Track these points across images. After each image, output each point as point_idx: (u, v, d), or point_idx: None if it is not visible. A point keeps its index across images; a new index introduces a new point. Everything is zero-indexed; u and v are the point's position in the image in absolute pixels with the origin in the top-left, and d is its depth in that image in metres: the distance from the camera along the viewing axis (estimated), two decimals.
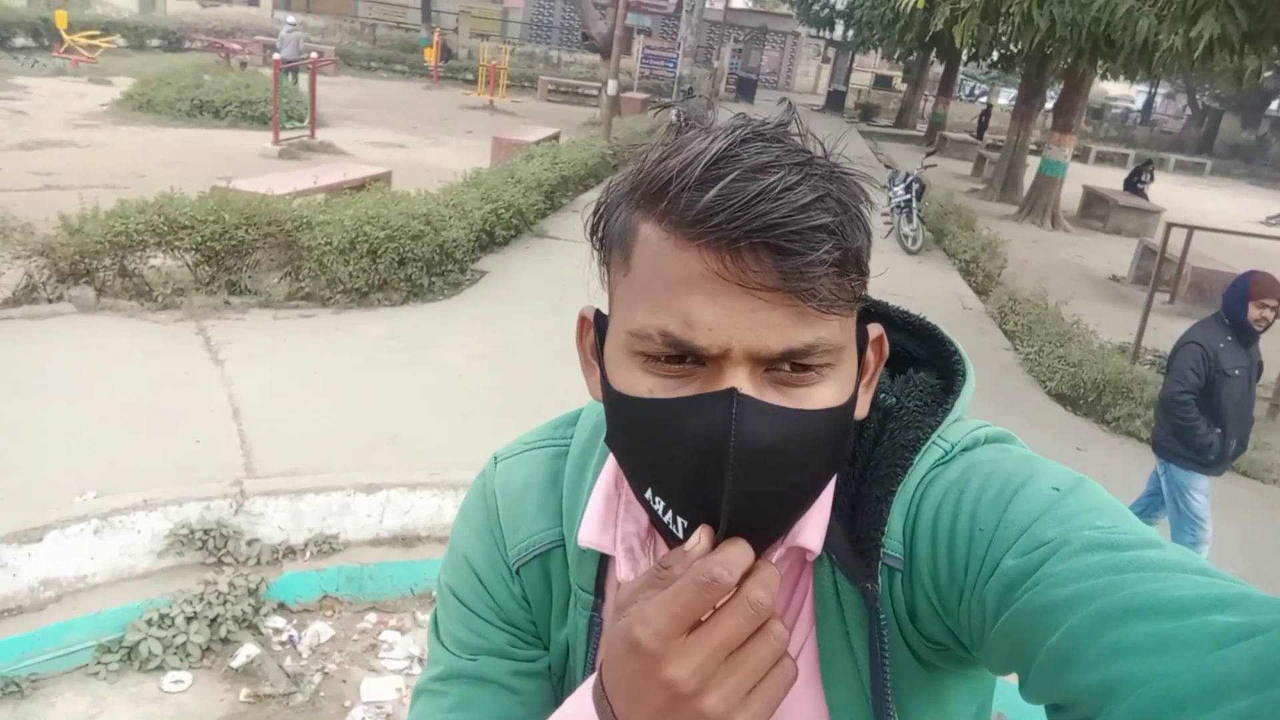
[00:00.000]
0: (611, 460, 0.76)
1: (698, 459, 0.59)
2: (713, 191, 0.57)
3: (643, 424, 0.62)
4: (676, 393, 0.60)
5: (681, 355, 0.60)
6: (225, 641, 3.32)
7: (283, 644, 3.43)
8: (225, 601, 3.36)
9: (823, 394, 0.61)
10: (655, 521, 0.65)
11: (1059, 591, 0.54)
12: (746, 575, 0.59)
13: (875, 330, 0.71)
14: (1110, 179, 19.96)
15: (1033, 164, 16.52)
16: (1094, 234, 15.26)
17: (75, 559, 3.34)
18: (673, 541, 0.64)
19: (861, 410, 0.69)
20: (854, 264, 0.60)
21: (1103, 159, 28.62)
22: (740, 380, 0.58)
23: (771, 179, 0.56)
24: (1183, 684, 0.45)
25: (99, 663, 3.16)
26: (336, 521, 3.81)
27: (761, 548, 0.62)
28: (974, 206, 13.88)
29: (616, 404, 0.64)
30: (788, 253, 0.56)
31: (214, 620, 3.32)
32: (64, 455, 4.00)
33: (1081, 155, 25.74)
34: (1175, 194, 21.08)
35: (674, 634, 0.56)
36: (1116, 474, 5.51)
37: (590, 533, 0.74)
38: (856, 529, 0.70)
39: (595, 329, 0.70)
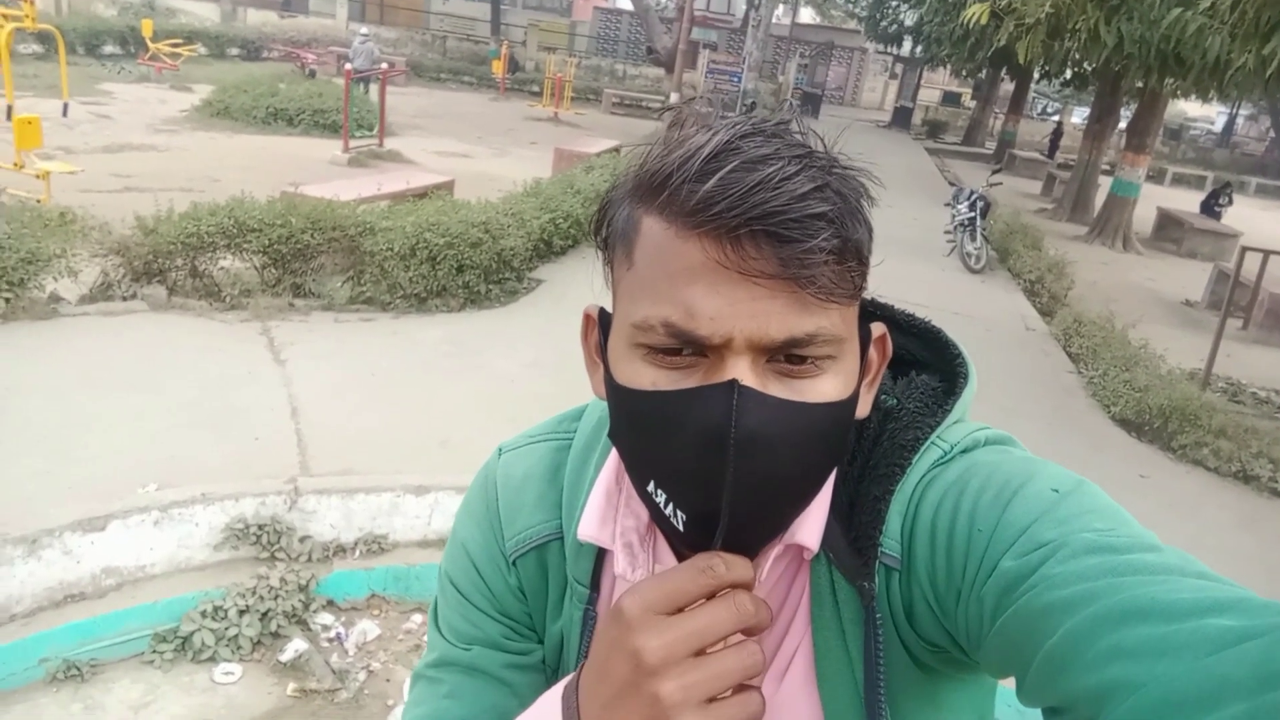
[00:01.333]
0: (613, 456, 0.76)
1: (699, 450, 0.59)
2: (712, 181, 0.58)
3: (645, 416, 0.63)
4: (679, 385, 0.61)
5: (683, 347, 0.60)
6: (275, 636, 3.39)
7: (330, 641, 3.49)
8: (276, 596, 3.44)
9: (824, 387, 0.62)
10: (656, 516, 0.66)
11: (1057, 593, 0.54)
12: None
13: (878, 329, 0.71)
14: (1186, 201, 19.39)
15: (1105, 184, 16.14)
16: (1167, 257, 14.83)
17: (136, 549, 3.45)
18: (673, 536, 0.65)
19: (863, 409, 0.70)
20: (854, 254, 0.61)
21: (1179, 181, 27.80)
22: (742, 371, 0.59)
23: (770, 169, 0.57)
24: (1181, 687, 0.45)
25: (155, 651, 3.25)
26: (386, 522, 3.87)
27: (762, 542, 0.63)
28: (1042, 226, 13.60)
29: (620, 397, 0.65)
30: (787, 240, 0.57)
31: (265, 614, 3.39)
32: (129, 448, 4.14)
33: (1157, 177, 25.06)
34: (1255, 218, 20.41)
35: (657, 609, 0.57)
36: (1181, 503, 5.34)
37: (590, 526, 0.75)
38: (854, 528, 0.70)
39: (600, 326, 0.71)
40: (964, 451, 0.70)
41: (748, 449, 0.58)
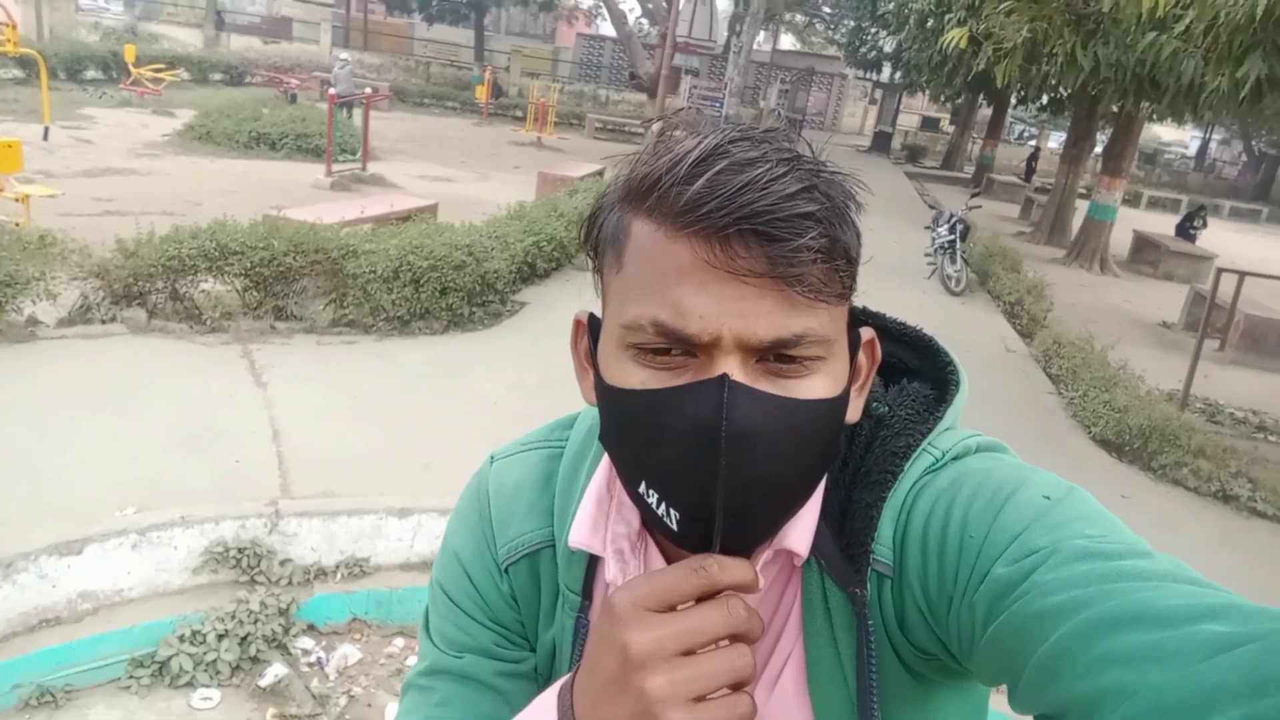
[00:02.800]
0: (604, 463, 0.77)
1: (691, 446, 0.60)
2: (699, 183, 0.58)
3: (636, 415, 0.63)
4: (669, 384, 0.61)
5: (673, 347, 0.61)
6: (254, 660, 3.35)
7: (310, 665, 3.45)
8: (256, 620, 3.40)
9: (814, 385, 0.62)
10: (648, 517, 0.66)
11: (1049, 600, 0.54)
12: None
13: (867, 334, 0.71)
14: (1162, 224, 19.65)
15: (1081, 208, 16.33)
16: (1144, 279, 15.00)
17: (113, 573, 3.41)
18: (667, 537, 0.65)
19: (854, 414, 0.70)
20: (842, 254, 0.61)
21: (1155, 204, 28.19)
22: (731, 369, 0.59)
23: (758, 171, 0.58)
24: (1173, 693, 0.45)
25: (131, 676, 3.20)
26: (368, 545, 3.84)
27: (757, 541, 0.63)
28: (1021, 249, 13.74)
29: (610, 398, 0.65)
30: (775, 239, 0.58)
31: (244, 639, 3.35)
32: (107, 470, 4.09)
33: (1133, 200, 25.38)
34: (1229, 240, 20.69)
35: (647, 605, 0.58)
36: (1162, 523, 5.37)
37: (581, 533, 0.75)
38: (846, 535, 0.70)
39: (589, 332, 0.72)
40: (955, 458, 0.70)
41: (739, 443, 0.58)
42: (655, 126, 0.68)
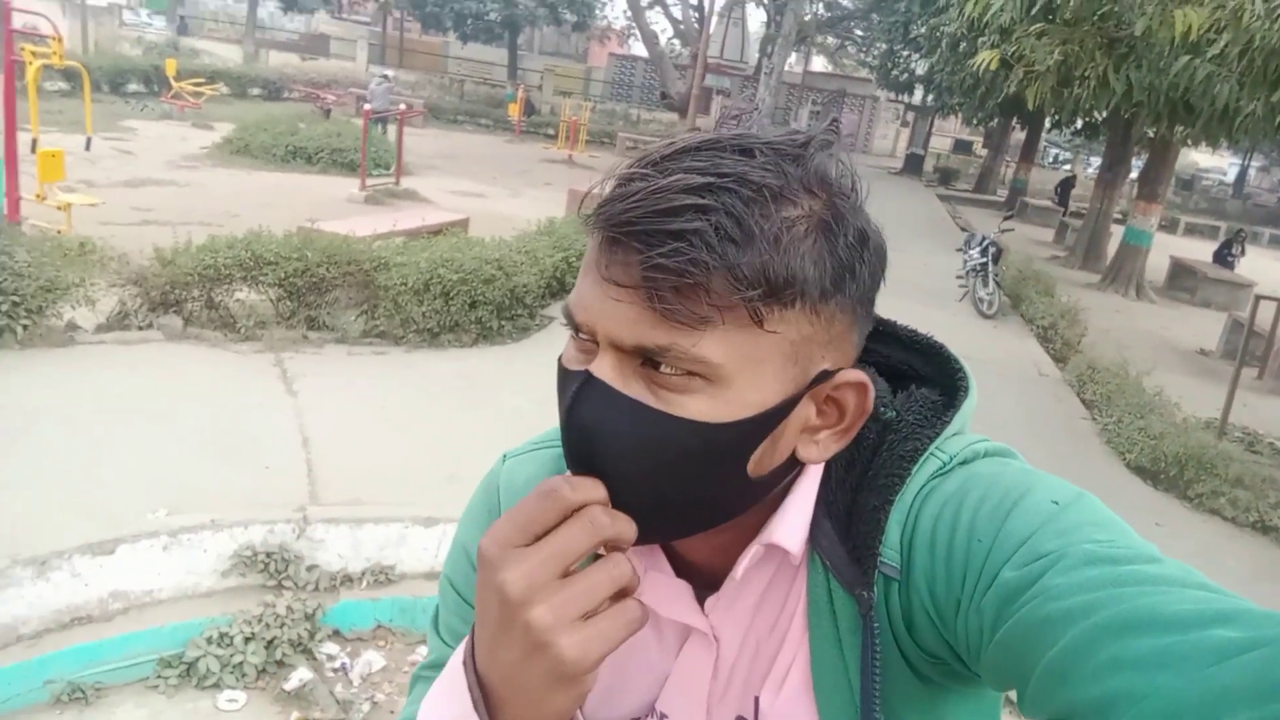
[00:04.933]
0: None
1: (563, 428, 0.64)
2: (611, 185, 0.62)
3: (556, 385, 0.68)
4: (573, 365, 0.65)
5: (577, 329, 0.64)
6: (280, 664, 3.37)
7: (335, 671, 3.46)
8: (283, 624, 3.42)
9: (692, 405, 0.60)
10: None
11: (1058, 605, 0.53)
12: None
13: (854, 375, 0.67)
14: (1199, 251, 19.40)
15: (1117, 233, 16.17)
16: (1181, 306, 14.80)
17: (144, 574, 3.44)
18: None
19: (818, 454, 0.68)
20: (739, 284, 0.57)
21: (1191, 230, 27.85)
22: (604, 365, 0.62)
23: (651, 183, 0.59)
24: (1182, 698, 0.45)
25: (159, 676, 3.23)
26: (394, 552, 3.86)
27: (655, 536, 0.66)
28: (1054, 273, 13.61)
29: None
30: (635, 252, 0.58)
31: (270, 642, 3.37)
32: (140, 473, 4.14)
33: (1169, 226, 25.10)
34: (1269, 268, 20.38)
35: (513, 542, 0.58)
36: (1197, 552, 5.27)
37: None
38: (852, 537, 0.69)
39: None
40: (963, 463, 0.69)
41: (584, 437, 0.62)
42: (717, 120, 0.70)
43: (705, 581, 0.75)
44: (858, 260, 0.63)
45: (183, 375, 5.39)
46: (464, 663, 0.63)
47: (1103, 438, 7.04)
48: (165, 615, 3.40)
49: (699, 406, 0.61)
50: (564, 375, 0.66)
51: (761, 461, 0.65)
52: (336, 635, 3.62)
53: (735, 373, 0.61)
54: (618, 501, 0.61)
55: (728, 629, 0.75)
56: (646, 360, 0.61)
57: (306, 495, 4.21)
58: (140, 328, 5.93)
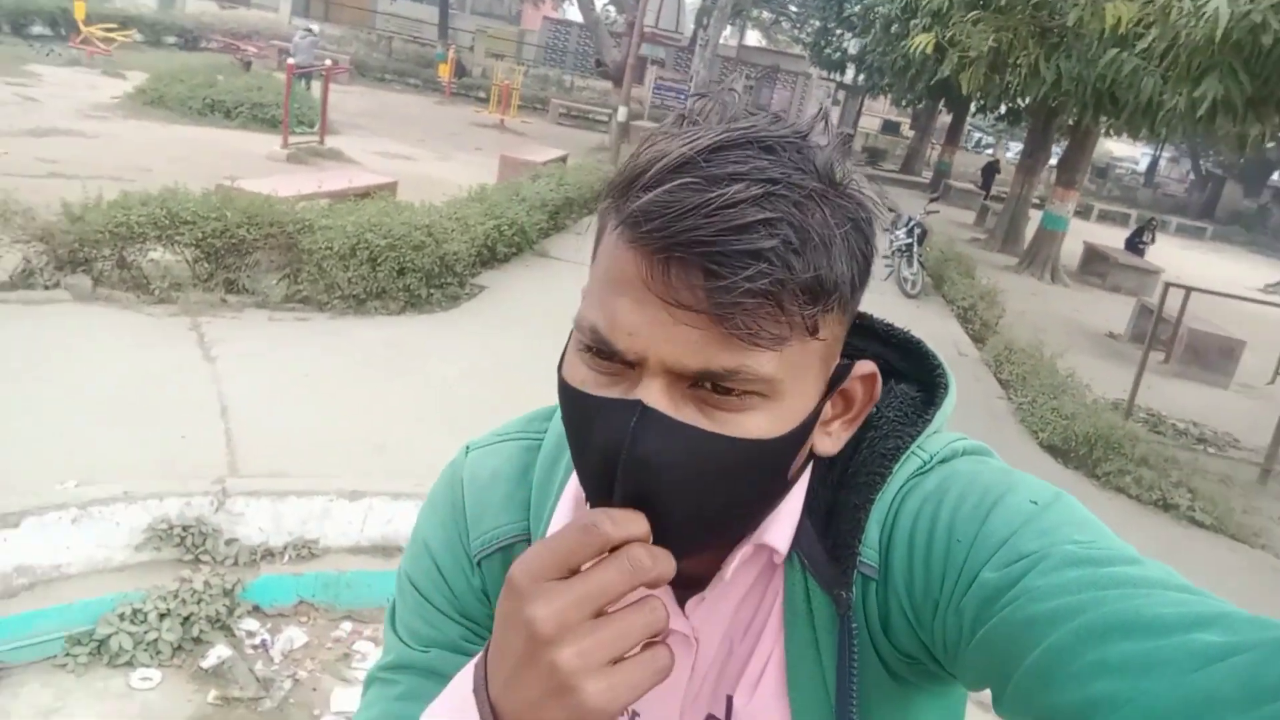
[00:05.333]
0: None
1: (600, 461, 0.59)
2: (655, 193, 0.55)
3: (570, 413, 0.63)
4: (603, 390, 0.60)
5: (609, 352, 0.59)
6: (197, 641, 3.27)
7: (255, 648, 3.38)
8: (200, 600, 3.32)
9: (750, 423, 0.59)
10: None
11: (1039, 606, 0.53)
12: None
13: (866, 367, 0.68)
14: (1112, 237, 20.11)
15: (1035, 218, 16.64)
16: (1093, 290, 15.34)
17: (51, 548, 3.30)
18: None
19: (832, 446, 0.68)
20: (803, 297, 0.56)
21: (1105, 217, 28.84)
22: (654, 392, 0.57)
23: (717, 192, 0.54)
24: (1166, 703, 0.44)
25: (68, 654, 3.11)
26: (317, 526, 3.77)
27: (684, 553, 0.60)
28: (975, 255, 13.97)
29: (560, 389, 0.65)
30: (712, 274, 0.54)
31: (187, 619, 3.26)
32: (48, 442, 3.96)
33: (1084, 212, 25.92)
34: (1175, 256, 21.26)
35: (546, 575, 0.55)
36: None
37: None
38: (832, 536, 0.69)
39: None
40: (943, 461, 0.69)
41: (639, 473, 0.57)
42: (691, 103, 0.64)
43: (683, 581, 0.73)
44: (872, 252, 0.62)
45: (93, 338, 5.16)
46: (474, 690, 0.59)
47: (1017, 416, 7.27)
48: (74, 591, 3.26)
49: (757, 424, 0.59)
50: (596, 404, 0.60)
51: (796, 464, 0.65)
52: (257, 611, 3.53)
53: (789, 385, 0.59)
54: (661, 530, 0.58)
55: (707, 629, 0.73)
56: (697, 381, 0.57)
57: (225, 466, 4.08)
58: (46, 287, 5.65)
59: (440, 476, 0.87)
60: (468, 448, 0.86)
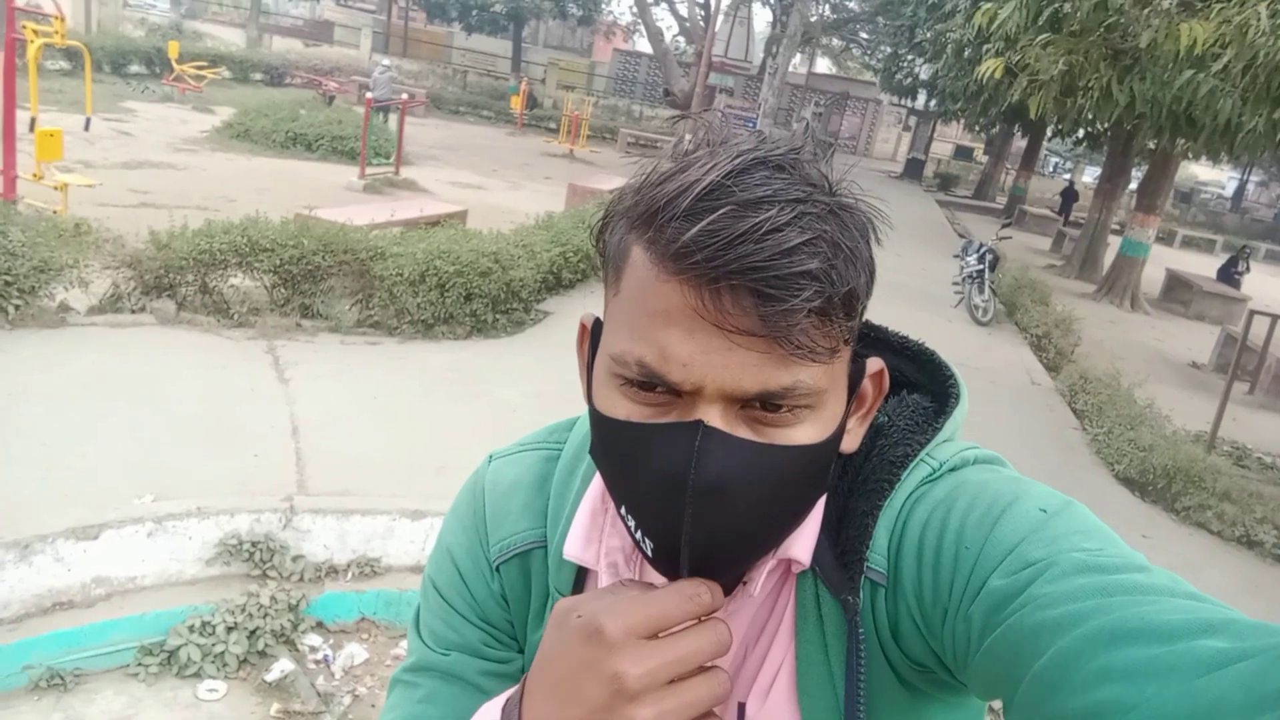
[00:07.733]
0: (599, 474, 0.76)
1: (661, 487, 0.60)
2: (698, 226, 0.56)
3: (617, 445, 0.63)
4: (651, 419, 0.61)
5: (657, 385, 0.60)
6: (262, 654, 3.36)
7: (317, 662, 3.45)
8: (266, 615, 3.41)
9: (798, 433, 0.61)
10: (631, 536, 0.66)
11: (1047, 613, 0.53)
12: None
13: (876, 364, 0.70)
14: (1195, 264, 19.45)
15: (1114, 244, 16.18)
16: (1175, 318, 14.83)
17: (127, 560, 3.43)
18: (645, 557, 0.65)
19: (852, 443, 0.70)
20: (842, 309, 0.59)
21: (1189, 243, 27.90)
22: (712, 415, 0.58)
23: (760, 217, 0.55)
24: (1172, 709, 0.44)
25: (140, 664, 3.22)
26: (380, 545, 3.85)
27: (731, 573, 0.64)
28: (1050, 282, 13.63)
29: (596, 421, 0.66)
30: (768, 298, 0.55)
31: (253, 632, 3.36)
32: (127, 458, 4.13)
33: (1166, 238, 25.15)
34: (1264, 283, 20.44)
35: (639, 632, 0.57)
36: (1183, 565, 5.28)
37: (574, 546, 0.75)
38: (841, 542, 0.69)
39: (591, 337, 0.70)
40: (953, 469, 0.70)
41: (707, 495, 0.58)
42: (683, 133, 0.66)
43: None
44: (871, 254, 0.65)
45: (174, 360, 5.37)
46: (504, 715, 0.64)
47: (1092, 448, 7.05)
48: (148, 602, 3.39)
49: (805, 433, 0.61)
50: (653, 431, 0.60)
51: (832, 466, 0.67)
52: (320, 627, 3.61)
53: (830, 392, 0.62)
54: (719, 549, 0.61)
55: None
56: (747, 403, 0.59)
57: (294, 484, 4.20)
58: (133, 311, 5.91)
59: (464, 484, 0.89)
60: (491, 456, 0.89)
